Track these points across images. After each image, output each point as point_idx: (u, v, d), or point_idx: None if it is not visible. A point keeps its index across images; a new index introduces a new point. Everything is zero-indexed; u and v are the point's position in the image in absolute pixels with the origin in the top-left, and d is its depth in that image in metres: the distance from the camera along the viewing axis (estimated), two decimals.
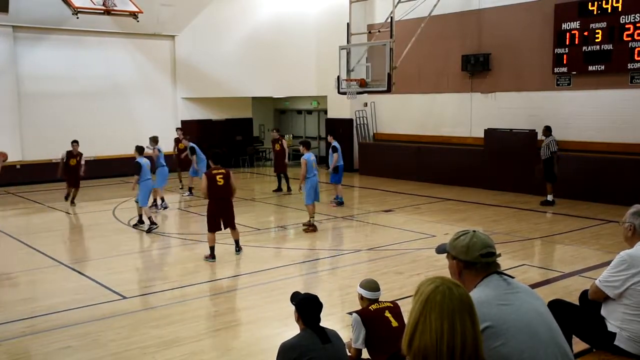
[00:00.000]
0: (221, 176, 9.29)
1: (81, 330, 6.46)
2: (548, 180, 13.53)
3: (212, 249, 9.36)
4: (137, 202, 11.96)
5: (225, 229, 9.50)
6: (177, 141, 17.20)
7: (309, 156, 11.46)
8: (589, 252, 9.52)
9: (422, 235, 10.91)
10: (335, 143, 14.18)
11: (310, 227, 11.41)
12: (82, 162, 14.81)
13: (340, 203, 14.06)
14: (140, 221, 11.97)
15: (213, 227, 9.34)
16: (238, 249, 9.73)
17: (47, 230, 12.22)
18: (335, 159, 13.86)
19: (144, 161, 11.75)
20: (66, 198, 14.84)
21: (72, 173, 14.71)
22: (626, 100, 13.65)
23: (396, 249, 9.90)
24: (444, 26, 16.90)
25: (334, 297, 7.52)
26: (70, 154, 14.67)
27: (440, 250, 3.01)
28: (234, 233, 9.69)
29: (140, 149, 11.98)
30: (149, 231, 11.50)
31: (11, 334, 6.42)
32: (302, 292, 4.38)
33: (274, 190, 16.56)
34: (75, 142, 14.80)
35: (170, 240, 11.17)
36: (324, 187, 15.43)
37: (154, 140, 14.32)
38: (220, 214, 9.37)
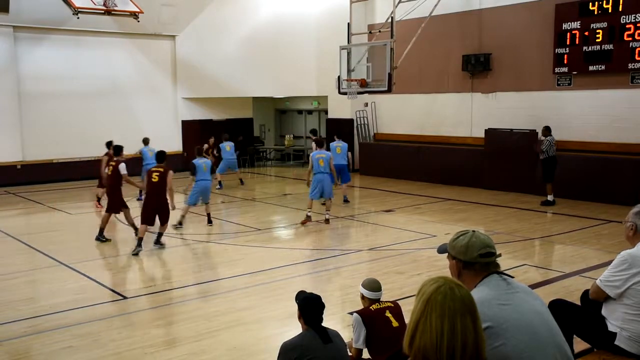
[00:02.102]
0: (157, 174, 10.03)
1: (82, 330, 6.47)
2: (546, 181, 13.53)
3: (140, 240, 9.97)
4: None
5: (161, 224, 10.22)
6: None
7: (314, 154, 12.09)
8: (590, 252, 9.52)
9: (422, 235, 10.91)
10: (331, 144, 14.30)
11: (305, 220, 12.02)
12: (122, 169, 10.74)
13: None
14: (180, 222, 11.86)
15: (145, 220, 10.05)
16: (158, 241, 10.27)
17: (47, 230, 12.22)
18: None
19: (200, 162, 11.87)
20: (102, 232, 10.92)
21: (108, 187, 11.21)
22: (626, 100, 13.65)
23: (397, 249, 9.90)
24: (445, 26, 16.90)
25: (334, 297, 7.52)
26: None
27: (441, 250, 3.03)
28: (163, 228, 10.34)
29: (199, 150, 12.38)
30: (176, 226, 11.66)
31: (12, 334, 6.42)
32: (306, 291, 4.38)
33: None
34: (112, 145, 11.68)
35: (170, 240, 11.17)
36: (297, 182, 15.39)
37: (144, 141, 15.45)
38: (152, 208, 10.06)
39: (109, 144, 13.13)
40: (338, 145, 14.16)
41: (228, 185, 17.33)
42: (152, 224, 10.09)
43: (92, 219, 13.20)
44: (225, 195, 15.96)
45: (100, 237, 10.80)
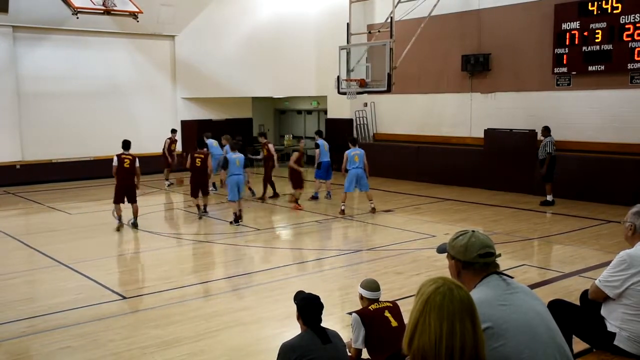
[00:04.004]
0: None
1: (81, 330, 6.46)
2: (545, 181, 13.54)
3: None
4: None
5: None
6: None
7: (349, 152, 12.93)
8: (589, 252, 9.52)
9: (422, 235, 10.91)
10: (319, 141, 15.05)
11: (341, 212, 12.90)
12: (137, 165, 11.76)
13: (314, 197, 14.90)
14: (236, 219, 12.10)
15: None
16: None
17: (47, 230, 12.22)
18: (317, 154, 14.88)
19: (233, 156, 12.26)
20: (120, 226, 11.82)
21: (123, 181, 11.73)
22: (626, 100, 13.65)
23: (396, 249, 9.90)
24: (444, 26, 16.90)
25: (333, 297, 7.52)
26: (121, 158, 11.69)
27: (440, 249, 3.03)
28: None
29: (236, 145, 12.87)
30: (232, 223, 12.03)
31: (11, 334, 6.42)
32: (305, 291, 4.37)
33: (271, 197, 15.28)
34: (126, 146, 11.81)
35: (170, 241, 11.18)
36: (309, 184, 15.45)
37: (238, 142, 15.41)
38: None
39: (200, 141, 14.04)
40: (324, 143, 15.02)
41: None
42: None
43: (92, 219, 13.19)
44: (223, 195, 15.93)
45: (237, 222, 11.98)
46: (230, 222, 12.05)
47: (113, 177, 11.87)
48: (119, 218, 11.80)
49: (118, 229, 11.61)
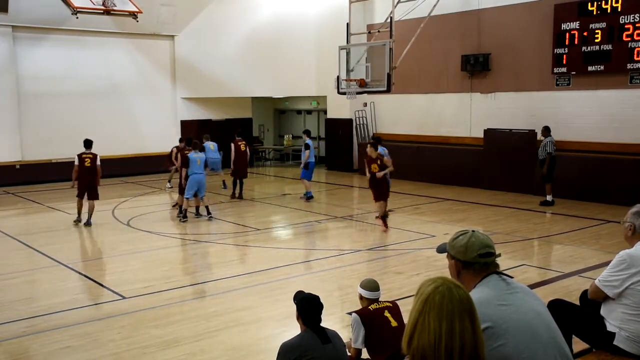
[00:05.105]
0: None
1: (81, 330, 6.47)
2: (545, 181, 13.54)
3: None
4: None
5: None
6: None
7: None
8: (589, 252, 9.52)
9: (422, 235, 10.91)
10: (308, 141, 15.03)
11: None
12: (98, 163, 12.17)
13: (309, 197, 14.90)
14: (184, 215, 12.52)
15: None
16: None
17: (46, 230, 12.21)
18: (306, 155, 14.81)
19: (194, 156, 12.46)
20: (78, 220, 12.26)
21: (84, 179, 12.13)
22: (625, 100, 13.66)
23: (396, 249, 9.90)
24: (444, 26, 16.90)
25: (333, 297, 7.52)
26: (81, 157, 12.11)
27: (440, 249, 3.02)
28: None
29: (195, 144, 12.88)
30: (179, 218, 12.55)
31: (11, 334, 6.42)
32: (304, 291, 4.37)
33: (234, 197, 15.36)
34: (87, 145, 12.24)
35: (170, 241, 11.17)
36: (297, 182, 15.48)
37: (206, 138, 15.64)
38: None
39: (188, 140, 13.98)
40: (312, 143, 15.32)
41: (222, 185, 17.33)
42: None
43: (92, 218, 13.17)
44: (224, 195, 15.95)
45: (184, 218, 12.43)
46: (178, 217, 12.55)
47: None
48: (79, 213, 12.10)
49: (76, 224, 12.03)
